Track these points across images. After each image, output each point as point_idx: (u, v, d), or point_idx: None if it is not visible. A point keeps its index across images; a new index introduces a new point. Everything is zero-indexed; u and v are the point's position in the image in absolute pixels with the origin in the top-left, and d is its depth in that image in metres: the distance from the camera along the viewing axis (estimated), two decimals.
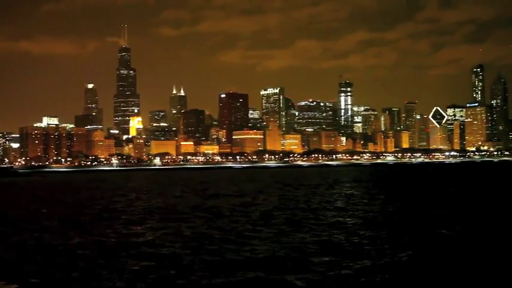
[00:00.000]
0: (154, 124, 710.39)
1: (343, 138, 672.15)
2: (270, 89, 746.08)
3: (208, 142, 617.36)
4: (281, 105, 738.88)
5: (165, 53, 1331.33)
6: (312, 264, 26.89)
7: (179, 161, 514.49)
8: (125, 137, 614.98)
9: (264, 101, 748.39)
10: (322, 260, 27.75)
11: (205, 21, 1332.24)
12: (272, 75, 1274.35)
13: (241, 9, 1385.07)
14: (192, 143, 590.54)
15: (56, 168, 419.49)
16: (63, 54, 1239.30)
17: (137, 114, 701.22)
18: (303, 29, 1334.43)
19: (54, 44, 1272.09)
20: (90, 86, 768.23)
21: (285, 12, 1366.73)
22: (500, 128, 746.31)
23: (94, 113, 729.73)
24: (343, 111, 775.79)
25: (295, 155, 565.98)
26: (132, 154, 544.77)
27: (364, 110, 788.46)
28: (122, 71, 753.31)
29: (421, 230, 38.33)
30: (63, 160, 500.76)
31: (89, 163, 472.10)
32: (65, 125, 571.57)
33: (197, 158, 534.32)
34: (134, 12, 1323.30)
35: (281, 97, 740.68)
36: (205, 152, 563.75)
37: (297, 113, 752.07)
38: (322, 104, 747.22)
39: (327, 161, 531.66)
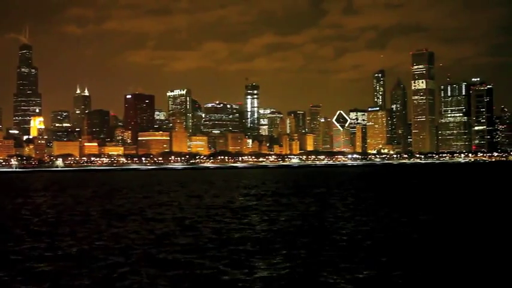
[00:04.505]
0: (57, 124, 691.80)
1: (249, 141, 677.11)
2: (177, 91, 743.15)
3: (113, 143, 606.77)
4: (188, 107, 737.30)
5: (69, 51, 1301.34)
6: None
7: (82, 163, 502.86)
8: (25, 137, 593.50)
9: (170, 102, 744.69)
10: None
11: (111, 20, 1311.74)
12: (179, 77, 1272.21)
13: (148, 9, 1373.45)
14: (96, 144, 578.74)
15: None
16: None
17: (39, 114, 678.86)
18: (211, 31, 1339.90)
19: None
20: None
21: (192, 13, 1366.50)
22: (400, 131, 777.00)
23: None
24: (249, 113, 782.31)
25: (202, 156, 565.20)
26: (33, 155, 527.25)
27: (270, 113, 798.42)
28: (22, 69, 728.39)
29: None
30: None
31: None
32: None
33: (101, 159, 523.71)
34: (37, 8, 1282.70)
35: (188, 99, 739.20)
36: (110, 153, 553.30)
37: (203, 115, 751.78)
38: (228, 106, 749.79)
39: (233, 162, 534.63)
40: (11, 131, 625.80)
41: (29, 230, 42.81)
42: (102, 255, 30.47)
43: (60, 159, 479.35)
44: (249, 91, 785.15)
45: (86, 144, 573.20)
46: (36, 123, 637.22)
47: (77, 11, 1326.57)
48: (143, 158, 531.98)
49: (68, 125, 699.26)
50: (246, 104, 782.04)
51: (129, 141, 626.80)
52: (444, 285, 23.64)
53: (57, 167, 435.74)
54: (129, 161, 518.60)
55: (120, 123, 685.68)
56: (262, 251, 31.17)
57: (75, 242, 35.62)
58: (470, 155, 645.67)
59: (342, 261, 27.73)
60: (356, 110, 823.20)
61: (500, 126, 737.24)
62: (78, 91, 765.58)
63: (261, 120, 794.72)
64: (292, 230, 39.81)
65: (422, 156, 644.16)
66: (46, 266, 27.84)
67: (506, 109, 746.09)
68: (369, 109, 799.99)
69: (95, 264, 27.92)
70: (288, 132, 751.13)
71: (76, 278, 25.23)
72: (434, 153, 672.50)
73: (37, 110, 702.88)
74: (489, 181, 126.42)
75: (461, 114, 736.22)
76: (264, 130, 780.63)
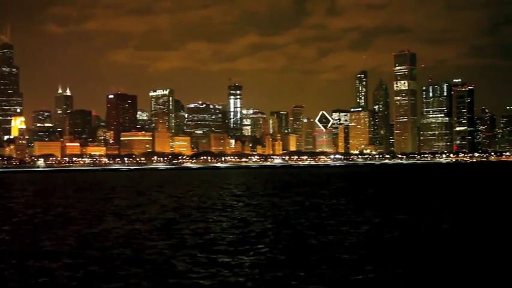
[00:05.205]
0: (38, 124, 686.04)
1: (232, 141, 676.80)
2: (160, 91, 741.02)
3: (95, 143, 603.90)
4: (170, 107, 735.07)
5: (50, 51, 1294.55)
6: None
7: (64, 163, 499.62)
8: (6, 137, 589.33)
9: (153, 103, 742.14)
10: None
11: (94, 19, 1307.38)
12: (162, 77, 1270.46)
13: (131, 8, 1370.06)
14: (78, 144, 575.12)
15: None
16: None
17: (20, 114, 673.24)
18: (194, 31, 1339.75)
19: None
20: None
21: (175, 13, 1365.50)
22: (382, 132, 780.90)
23: None
24: (232, 113, 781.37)
25: (184, 157, 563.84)
26: (14, 155, 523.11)
27: (253, 113, 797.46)
28: (3, 69, 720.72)
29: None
30: None
31: None
32: None
33: (83, 159, 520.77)
34: (18, 7, 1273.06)
35: (170, 99, 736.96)
36: (92, 153, 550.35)
37: (186, 115, 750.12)
38: (211, 107, 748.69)
39: (216, 163, 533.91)
40: None
41: (7, 230, 42.61)
42: (81, 255, 30.45)
43: (42, 160, 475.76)
44: (232, 91, 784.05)
45: (67, 144, 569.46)
46: (17, 123, 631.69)
47: (59, 10, 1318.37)
48: (125, 158, 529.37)
49: (50, 125, 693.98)
50: (229, 104, 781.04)
51: (111, 141, 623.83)
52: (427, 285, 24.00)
53: (39, 167, 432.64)
54: (111, 161, 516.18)
55: (102, 123, 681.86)
56: (241, 251, 31.31)
57: (54, 242, 35.55)
58: (451, 155, 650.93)
59: (321, 262, 27.98)
60: (339, 111, 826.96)
61: (481, 127, 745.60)
62: (60, 91, 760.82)
63: (244, 120, 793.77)
64: (272, 230, 39.95)
65: (404, 157, 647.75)
66: (25, 266, 27.80)
67: (487, 110, 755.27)
68: (352, 110, 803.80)
69: (74, 264, 27.92)
70: (270, 132, 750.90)
71: (56, 277, 25.25)
72: (416, 154, 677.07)
73: (18, 110, 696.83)
74: (469, 183, 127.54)
75: (442, 115, 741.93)
76: (246, 130, 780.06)
